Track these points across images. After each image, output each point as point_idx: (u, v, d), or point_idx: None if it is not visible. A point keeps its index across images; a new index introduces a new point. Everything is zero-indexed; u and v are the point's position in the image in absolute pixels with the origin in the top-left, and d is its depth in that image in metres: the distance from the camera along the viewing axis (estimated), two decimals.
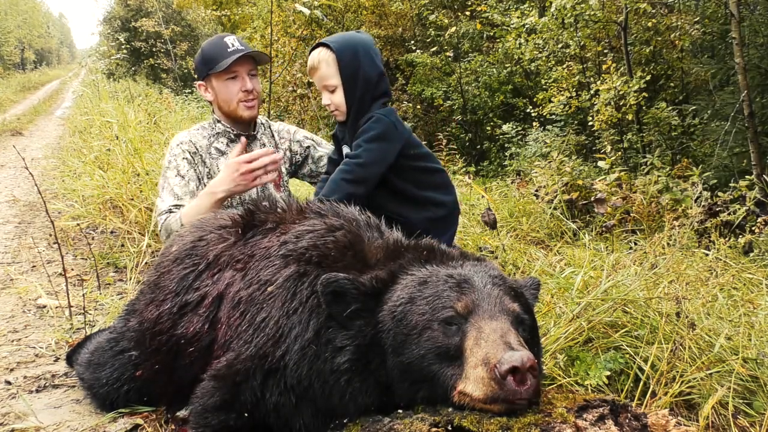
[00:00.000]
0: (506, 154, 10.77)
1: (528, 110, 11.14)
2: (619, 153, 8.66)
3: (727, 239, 4.46)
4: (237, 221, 1.96)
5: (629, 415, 1.39)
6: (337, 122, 2.64)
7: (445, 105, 12.96)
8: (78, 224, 4.69)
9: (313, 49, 2.55)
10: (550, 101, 9.86)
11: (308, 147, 3.25)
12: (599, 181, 6.10)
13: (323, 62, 2.47)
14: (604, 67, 9.30)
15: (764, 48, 7.43)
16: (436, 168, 2.63)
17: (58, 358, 2.68)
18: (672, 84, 10.63)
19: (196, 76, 3.17)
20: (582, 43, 9.47)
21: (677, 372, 2.19)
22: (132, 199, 4.71)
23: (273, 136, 3.20)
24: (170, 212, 2.87)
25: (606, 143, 8.98)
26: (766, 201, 5.17)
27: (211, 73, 2.95)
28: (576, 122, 10.32)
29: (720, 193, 5.22)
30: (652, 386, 2.14)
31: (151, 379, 1.98)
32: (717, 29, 9.00)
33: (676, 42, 9.62)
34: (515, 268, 3.66)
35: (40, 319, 3.16)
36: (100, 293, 3.49)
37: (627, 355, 2.29)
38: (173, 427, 1.97)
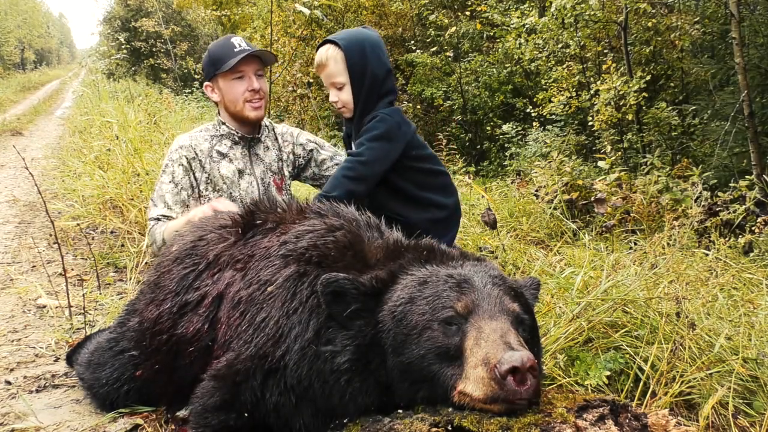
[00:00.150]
0: (506, 154, 10.77)
1: (528, 110, 11.14)
2: (619, 153, 8.66)
3: (727, 239, 4.46)
4: (237, 221, 1.96)
5: (629, 415, 1.39)
6: (344, 119, 2.66)
7: (445, 105, 12.96)
8: (78, 224, 4.69)
9: (320, 45, 2.56)
10: (550, 101, 9.86)
11: (311, 150, 3.25)
12: (599, 181, 6.10)
13: (331, 59, 2.48)
14: (604, 67, 9.30)
15: (764, 48, 7.43)
16: (439, 170, 2.64)
17: (58, 358, 2.68)
18: (672, 84, 10.62)
19: (202, 77, 3.17)
20: (582, 43, 9.47)
21: (677, 372, 2.19)
22: (132, 199, 4.71)
23: (276, 139, 3.20)
24: (158, 221, 2.94)
25: (606, 143, 8.98)
26: (766, 201, 5.17)
27: (218, 73, 2.95)
28: (576, 122, 10.32)
29: (720, 193, 5.22)
30: (652, 386, 2.14)
31: (151, 379, 1.98)
32: (717, 29, 9.00)
33: (676, 42, 9.62)
34: (515, 268, 3.66)
35: (40, 319, 3.16)
36: (100, 293, 3.49)
37: (627, 355, 2.29)
38: (173, 427, 1.97)
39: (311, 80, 12.63)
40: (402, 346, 1.47)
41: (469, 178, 7.28)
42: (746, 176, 5.85)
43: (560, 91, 9.78)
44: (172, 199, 2.98)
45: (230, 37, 3.02)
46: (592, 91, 9.06)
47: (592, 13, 8.73)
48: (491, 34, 12.30)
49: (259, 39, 12.74)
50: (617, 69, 8.93)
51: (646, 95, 8.55)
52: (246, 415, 1.60)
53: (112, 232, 4.61)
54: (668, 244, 4.05)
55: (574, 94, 9.56)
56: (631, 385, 2.19)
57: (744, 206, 4.89)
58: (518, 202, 6.27)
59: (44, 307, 3.32)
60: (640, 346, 2.32)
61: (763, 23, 7.71)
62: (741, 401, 2.19)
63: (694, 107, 9.27)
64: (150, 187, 4.75)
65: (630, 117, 8.97)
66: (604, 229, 5.04)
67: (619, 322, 2.48)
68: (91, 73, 22.92)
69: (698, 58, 10.19)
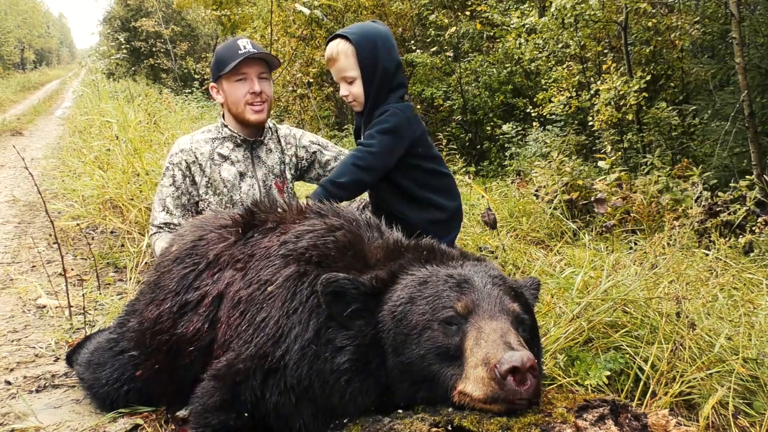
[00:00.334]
0: (506, 154, 10.76)
1: (528, 110, 11.14)
2: (619, 153, 8.66)
3: (727, 239, 4.46)
4: (237, 221, 1.96)
5: (629, 415, 1.39)
6: (355, 113, 2.68)
7: (445, 105, 12.95)
8: (78, 224, 4.69)
9: (330, 39, 2.56)
10: (550, 101, 9.86)
11: (315, 152, 3.24)
12: (599, 181, 6.09)
13: (342, 54, 2.49)
14: (604, 67, 9.30)
15: (764, 48, 7.42)
16: (443, 172, 2.65)
17: (58, 358, 2.68)
18: (672, 84, 10.62)
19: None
20: (582, 43, 9.47)
21: (677, 372, 2.19)
22: (132, 199, 4.71)
23: (279, 141, 3.20)
24: (160, 230, 2.97)
25: (606, 143, 8.97)
26: (766, 201, 5.17)
27: (222, 75, 2.94)
28: (576, 122, 10.32)
29: (720, 193, 5.22)
30: (652, 386, 2.14)
31: (151, 379, 1.98)
32: (717, 29, 8.99)
33: (676, 42, 9.62)
34: (515, 268, 3.66)
35: (40, 319, 3.16)
36: (100, 293, 3.49)
37: (627, 355, 2.29)
38: (173, 427, 1.97)
39: (311, 80, 12.63)
40: (402, 346, 1.47)
41: (469, 178, 7.28)
42: (746, 176, 5.84)
43: (560, 91, 9.77)
44: (173, 203, 3.00)
45: (237, 39, 3.00)
46: (592, 91, 9.06)
47: (592, 13, 8.72)
48: (491, 34, 12.29)
49: (259, 39, 12.74)
50: (617, 69, 8.93)
51: (646, 95, 8.55)
52: (246, 415, 1.60)
53: (112, 232, 4.61)
54: (668, 244, 4.05)
55: (574, 94, 9.56)
56: (631, 385, 2.19)
57: (744, 206, 4.89)
58: (518, 202, 6.26)
59: (44, 307, 3.32)
60: (640, 346, 2.32)
61: (763, 23, 7.71)
62: (741, 401, 2.19)
63: (694, 107, 9.26)
64: (150, 187, 4.75)
65: (630, 117, 8.97)
66: (604, 229, 5.04)
67: (619, 322, 2.48)
68: (91, 73, 22.87)
69: (698, 58, 10.19)
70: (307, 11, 9.14)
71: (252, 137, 3.07)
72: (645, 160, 7.50)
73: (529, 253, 4.09)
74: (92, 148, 6.77)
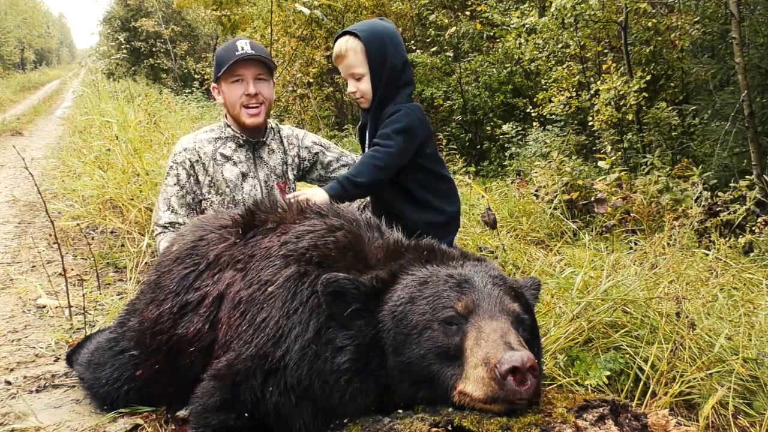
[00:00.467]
0: (506, 154, 10.75)
1: (528, 110, 11.13)
2: (619, 153, 8.66)
3: (727, 239, 4.46)
4: (237, 221, 1.96)
5: (629, 415, 1.39)
6: (361, 109, 2.69)
7: (445, 105, 12.94)
8: (78, 224, 4.69)
9: (339, 36, 2.57)
10: (550, 101, 9.85)
11: (317, 153, 3.23)
12: (599, 181, 6.09)
13: (351, 51, 2.50)
14: (604, 67, 9.29)
15: (764, 48, 7.42)
16: (445, 176, 2.67)
17: (58, 358, 2.68)
18: (672, 84, 10.61)
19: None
20: (582, 43, 9.46)
21: (677, 372, 2.19)
22: (132, 199, 4.71)
23: (282, 141, 3.19)
24: (165, 230, 2.98)
25: (606, 143, 8.97)
26: (766, 201, 5.17)
27: (220, 76, 2.94)
28: (576, 122, 10.31)
29: (720, 193, 5.22)
30: (652, 386, 2.14)
31: (152, 379, 1.98)
32: (717, 29, 8.98)
33: (676, 42, 9.61)
34: (515, 268, 3.66)
35: (40, 319, 3.16)
36: (100, 293, 3.49)
37: (627, 355, 2.30)
38: (173, 427, 1.97)
39: (311, 80, 12.62)
40: (402, 346, 1.47)
41: (469, 178, 7.28)
42: (746, 176, 5.83)
43: (560, 91, 9.77)
44: (178, 202, 3.00)
45: (237, 40, 2.99)
46: (592, 91, 9.05)
47: (592, 13, 8.72)
48: (491, 34, 12.28)
49: (259, 39, 12.73)
50: (617, 69, 8.93)
51: (646, 95, 8.54)
52: (246, 415, 1.60)
53: (112, 232, 4.61)
54: (668, 244, 4.05)
55: (574, 94, 9.55)
56: (631, 385, 2.19)
57: (744, 206, 4.89)
58: (518, 202, 6.26)
59: (44, 307, 3.32)
60: (640, 346, 2.32)
61: (763, 23, 7.70)
62: (741, 401, 2.19)
63: (694, 107, 9.25)
64: (150, 187, 4.75)
65: (630, 117, 8.96)
66: (604, 229, 5.04)
67: (619, 322, 2.48)
68: (91, 73, 22.87)
69: (698, 58, 10.18)
70: (307, 11, 9.13)
71: (254, 138, 3.07)
72: (645, 160, 7.50)
73: (529, 253, 4.09)
74: (92, 148, 6.77)
